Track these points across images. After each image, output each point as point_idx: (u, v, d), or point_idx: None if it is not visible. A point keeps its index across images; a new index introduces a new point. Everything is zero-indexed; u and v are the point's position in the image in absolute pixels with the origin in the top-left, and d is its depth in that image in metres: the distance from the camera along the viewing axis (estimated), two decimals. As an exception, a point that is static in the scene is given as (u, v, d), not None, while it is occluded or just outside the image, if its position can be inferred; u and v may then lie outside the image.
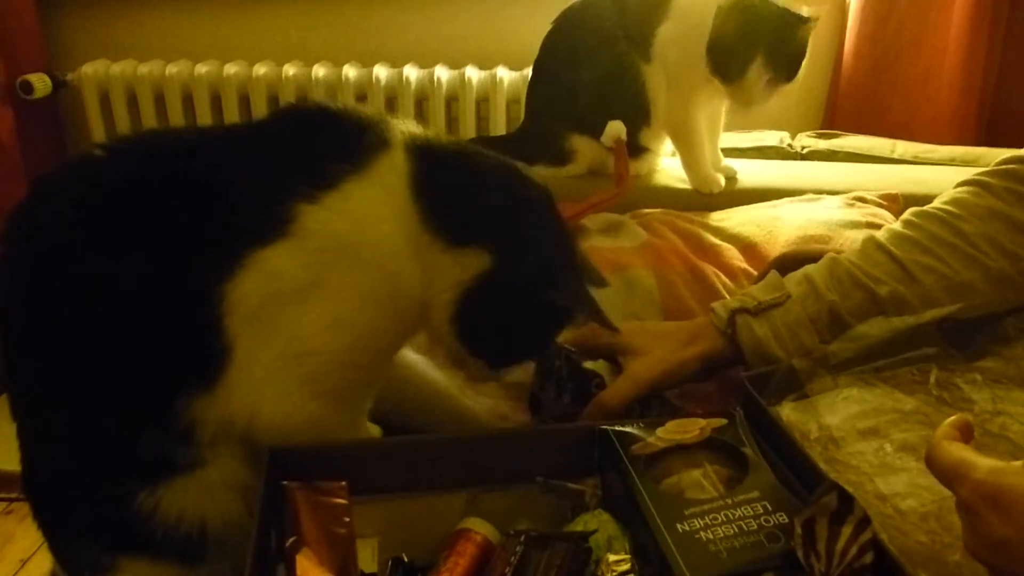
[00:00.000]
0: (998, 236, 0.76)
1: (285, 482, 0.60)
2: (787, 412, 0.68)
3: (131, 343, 0.64)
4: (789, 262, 0.88)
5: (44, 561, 1.67)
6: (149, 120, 1.94)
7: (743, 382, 0.70)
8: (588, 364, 0.83)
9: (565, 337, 0.80)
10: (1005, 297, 0.75)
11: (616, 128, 1.23)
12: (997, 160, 0.81)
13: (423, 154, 0.69)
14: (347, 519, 0.58)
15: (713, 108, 1.32)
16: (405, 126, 0.71)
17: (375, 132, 0.69)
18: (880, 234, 0.81)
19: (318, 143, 0.69)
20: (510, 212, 0.71)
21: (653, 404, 0.79)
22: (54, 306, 0.65)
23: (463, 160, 0.72)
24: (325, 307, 0.66)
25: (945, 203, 0.80)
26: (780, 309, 0.77)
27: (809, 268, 0.81)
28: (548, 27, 1.34)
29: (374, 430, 0.80)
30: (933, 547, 0.54)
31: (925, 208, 0.81)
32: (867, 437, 0.64)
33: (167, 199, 0.65)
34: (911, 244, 0.78)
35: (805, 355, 0.72)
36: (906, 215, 0.81)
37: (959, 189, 0.81)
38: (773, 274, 0.83)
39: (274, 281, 0.64)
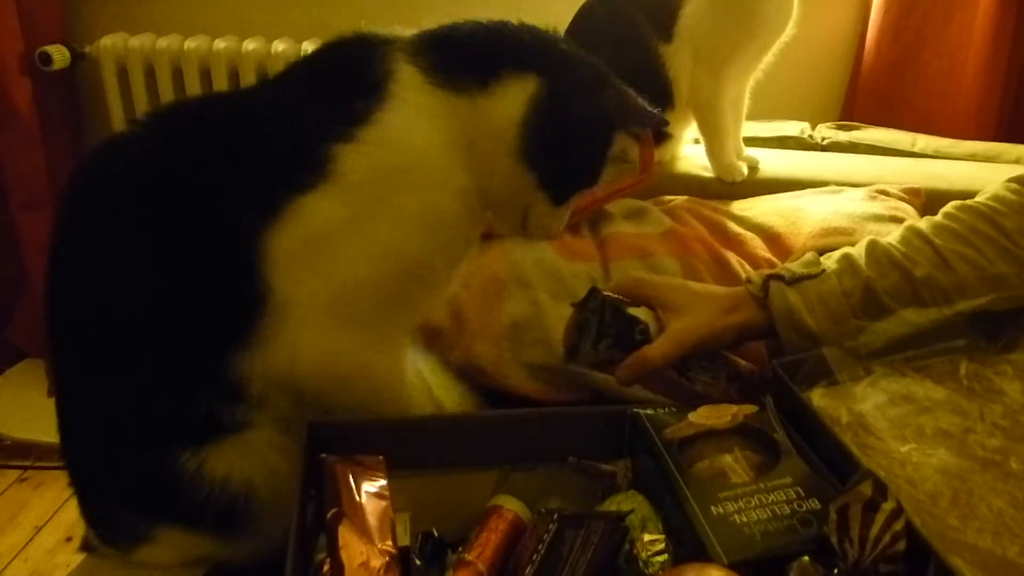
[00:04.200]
0: None
1: (324, 455, 0.61)
2: (817, 398, 0.68)
3: (180, 302, 0.65)
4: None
5: (58, 528, 1.70)
6: (167, 94, 1.93)
7: (774, 369, 0.70)
8: (632, 310, 0.79)
9: (607, 287, 0.80)
10: None
11: (642, 114, 1.22)
12: None
13: (424, 43, 0.72)
14: (386, 492, 0.59)
15: (738, 92, 1.32)
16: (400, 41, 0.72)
17: (382, 60, 0.70)
18: (921, 223, 0.82)
19: (340, 83, 0.70)
20: (537, 41, 0.75)
21: (692, 364, 0.77)
22: (108, 263, 0.66)
23: (459, 27, 0.77)
24: (372, 236, 0.66)
25: (988, 199, 0.81)
26: (815, 280, 0.78)
27: (847, 247, 0.81)
28: (572, 13, 1.34)
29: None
30: (965, 531, 0.55)
31: (967, 202, 0.82)
32: (897, 424, 0.64)
33: (205, 162, 0.66)
34: (950, 234, 0.78)
35: (836, 344, 0.72)
36: (947, 208, 0.82)
37: (1004, 185, 0.82)
38: (811, 252, 0.83)
39: (316, 224, 0.65)
